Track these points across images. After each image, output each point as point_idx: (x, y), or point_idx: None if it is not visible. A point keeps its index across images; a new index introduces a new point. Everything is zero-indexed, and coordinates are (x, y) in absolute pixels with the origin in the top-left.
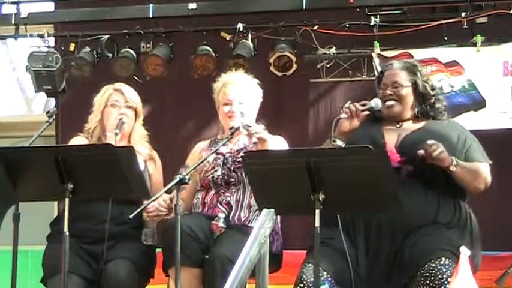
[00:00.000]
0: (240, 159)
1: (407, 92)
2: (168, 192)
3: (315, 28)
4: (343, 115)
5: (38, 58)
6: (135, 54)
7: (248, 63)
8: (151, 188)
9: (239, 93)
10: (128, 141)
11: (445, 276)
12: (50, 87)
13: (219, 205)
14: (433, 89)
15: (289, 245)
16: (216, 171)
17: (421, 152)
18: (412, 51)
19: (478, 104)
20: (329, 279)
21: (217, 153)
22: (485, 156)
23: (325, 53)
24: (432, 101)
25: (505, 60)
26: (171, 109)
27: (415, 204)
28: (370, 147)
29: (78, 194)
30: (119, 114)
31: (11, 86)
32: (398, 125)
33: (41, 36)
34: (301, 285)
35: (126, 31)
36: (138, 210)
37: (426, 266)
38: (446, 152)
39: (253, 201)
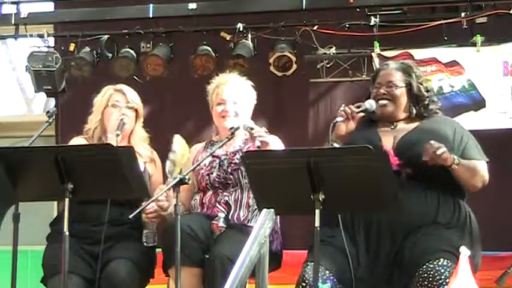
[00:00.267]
0: (235, 161)
1: (401, 92)
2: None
3: (315, 28)
4: (339, 118)
5: (38, 58)
6: (135, 54)
7: (248, 63)
8: (151, 189)
9: (233, 93)
10: (128, 142)
11: (443, 277)
12: (50, 87)
13: (217, 205)
14: (427, 91)
15: (289, 245)
16: (212, 173)
17: (426, 158)
18: (412, 51)
19: (478, 104)
20: (331, 277)
21: (213, 156)
22: (482, 154)
23: (325, 53)
24: (426, 102)
25: (505, 60)
26: (170, 109)
27: (415, 204)
28: (370, 147)
29: (78, 194)
30: (120, 114)
31: (11, 86)
32: (392, 126)
33: (40, 36)
34: (303, 284)
35: (126, 31)
36: (137, 210)
37: (424, 266)
38: (448, 152)
39: (251, 201)
